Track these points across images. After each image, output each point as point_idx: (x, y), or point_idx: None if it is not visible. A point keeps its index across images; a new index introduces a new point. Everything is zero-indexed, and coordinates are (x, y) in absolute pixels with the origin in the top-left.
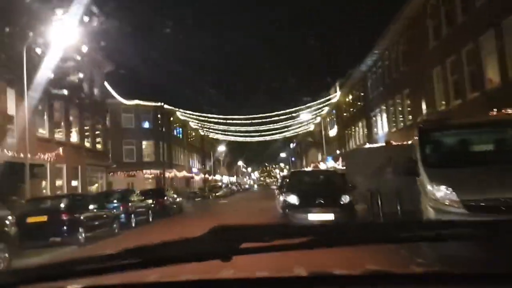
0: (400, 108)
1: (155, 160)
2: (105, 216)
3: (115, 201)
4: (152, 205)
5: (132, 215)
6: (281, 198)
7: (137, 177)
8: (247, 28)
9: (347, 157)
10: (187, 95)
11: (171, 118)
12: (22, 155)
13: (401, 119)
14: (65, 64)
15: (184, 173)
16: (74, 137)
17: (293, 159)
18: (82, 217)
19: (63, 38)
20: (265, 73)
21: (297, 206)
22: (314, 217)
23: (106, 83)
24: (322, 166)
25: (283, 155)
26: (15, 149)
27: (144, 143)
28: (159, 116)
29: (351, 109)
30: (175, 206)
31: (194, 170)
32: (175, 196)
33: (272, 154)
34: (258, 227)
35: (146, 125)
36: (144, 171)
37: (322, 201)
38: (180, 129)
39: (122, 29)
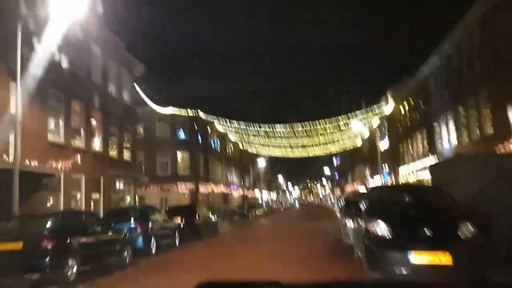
0: (475, 115)
1: (190, 173)
2: (112, 240)
3: (131, 220)
4: (181, 226)
5: (153, 238)
6: (349, 224)
7: (171, 191)
8: (290, 30)
9: (439, 168)
10: (226, 105)
11: (208, 129)
12: (28, 162)
13: (474, 128)
14: (84, 57)
15: (221, 188)
16: (97, 145)
17: (337, 176)
18: (75, 244)
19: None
20: (309, 82)
21: (390, 240)
22: (420, 259)
23: (137, 87)
24: (371, 183)
25: (326, 171)
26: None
27: (179, 154)
28: (195, 125)
29: (407, 120)
30: (209, 226)
31: (233, 185)
32: (209, 214)
33: (314, 170)
34: None
35: (182, 135)
36: (179, 185)
37: (430, 233)
38: (218, 141)
39: (156, 29)
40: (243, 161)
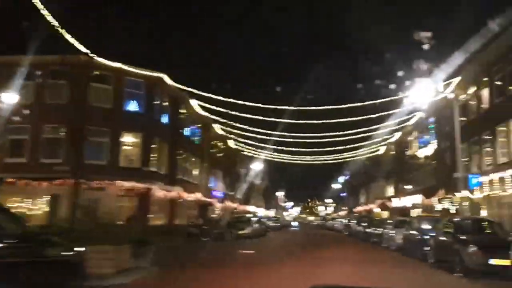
0: None
1: (142, 167)
2: None
3: None
4: None
5: None
6: None
7: (108, 191)
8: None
9: None
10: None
11: (182, 108)
12: None
13: None
14: None
15: (198, 196)
16: None
17: (343, 194)
18: None
19: None
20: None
21: None
22: None
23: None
24: (395, 203)
25: (331, 188)
26: None
27: (126, 137)
28: (160, 97)
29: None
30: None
31: (216, 193)
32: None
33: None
34: None
35: (134, 107)
36: (119, 183)
37: None
38: (198, 130)
39: None
40: (235, 165)
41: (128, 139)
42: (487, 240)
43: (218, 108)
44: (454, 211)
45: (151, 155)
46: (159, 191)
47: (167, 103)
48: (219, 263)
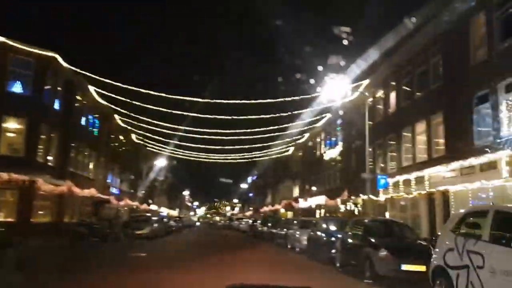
0: None
1: (25, 156)
2: None
3: None
4: None
5: None
6: None
7: None
8: None
9: None
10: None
11: (78, 94)
12: None
13: None
14: None
15: (92, 192)
16: None
17: (251, 194)
18: None
19: None
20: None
21: None
22: None
23: None
24: (301, 204)
25: (239, 188)
26: None
27: (8, 122)
28: (53, 80)
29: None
30: None
31: (115, 190)
32: None
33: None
34: None
35: (18, 88)
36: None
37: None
38: (97, 121)
39: None
40: (138, 160)
41: (11, 124)
42: (398, 244)
43: (120, 98)
44: (357, 213)
45: (39, 144)
46: (45, 185)
47: (60, 88)
48: (92, 269)
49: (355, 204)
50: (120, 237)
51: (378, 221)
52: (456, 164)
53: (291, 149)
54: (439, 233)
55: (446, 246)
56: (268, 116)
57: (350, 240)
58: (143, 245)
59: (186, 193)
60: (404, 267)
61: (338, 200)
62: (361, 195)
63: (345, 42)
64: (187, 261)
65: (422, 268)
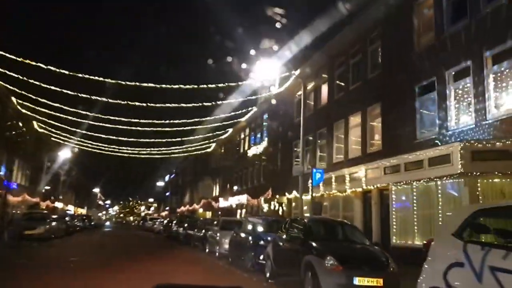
0: None
1: None
2: None
3: None
4: None
5: None
6: None
7: None
8: None
9: None
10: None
11: None
12: None
13: None
14: None
15: None
16: None
17: (167, 193)
18: None
19: None
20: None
21: None
22: None
23: None
24: (221, 204)
25: (155, 187)
26: None
27: None
28: None
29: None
30: None
31: (9, 183)
32: None
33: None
34: None
35: None
36: None
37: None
38: None
39: None
40: (40, 152)
41: None
42: (348, 251)
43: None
44: (280, 212)
45: None
46: None
47: None
48: None
49: (280, 204)
50: (2, 238)
51: (319, 221)
52: (398, 159)
53: (213, 145)
54: (433, 238)
55: (448, 259)
56: (189, 105)
57: (285, 245)
58: (29, 248)
59: (97, 190)
60: (357, 280)
61: (261, 199)
62: (286, 193)
63: (278, 25)
64: (79, 268)
65: (379, 282)
